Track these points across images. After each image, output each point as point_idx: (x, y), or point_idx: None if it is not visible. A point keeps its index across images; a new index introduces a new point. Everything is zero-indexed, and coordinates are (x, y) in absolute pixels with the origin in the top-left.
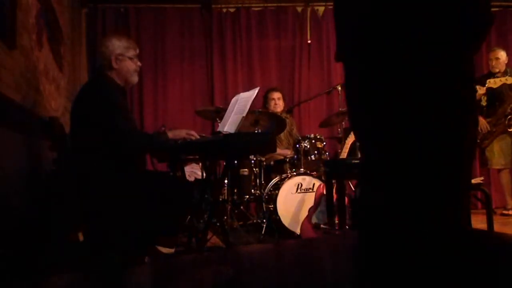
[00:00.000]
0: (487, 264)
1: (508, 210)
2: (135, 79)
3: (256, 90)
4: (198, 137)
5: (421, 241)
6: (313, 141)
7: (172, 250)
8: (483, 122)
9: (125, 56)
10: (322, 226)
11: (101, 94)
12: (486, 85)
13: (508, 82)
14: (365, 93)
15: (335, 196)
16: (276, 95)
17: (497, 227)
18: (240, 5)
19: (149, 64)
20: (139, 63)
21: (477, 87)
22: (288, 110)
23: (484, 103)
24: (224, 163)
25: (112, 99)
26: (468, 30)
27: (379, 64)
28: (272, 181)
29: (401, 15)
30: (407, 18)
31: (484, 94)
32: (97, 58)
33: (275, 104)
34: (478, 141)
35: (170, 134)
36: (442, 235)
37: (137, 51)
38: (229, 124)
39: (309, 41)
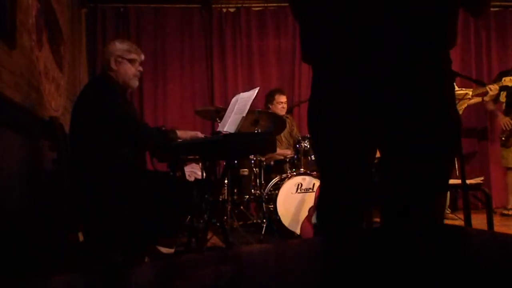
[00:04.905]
0: (487, 264)
1: (508, 210)
2: (134, 83)
3: (256, 90)
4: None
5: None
6: None
7: (172, 250)
8: (506, 119)
9: (124, 58)
10: None
11: (103, 92)
12: (502, 83)
13: None
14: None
15: None
16: (284, 98)
17: (497, 227)
18: (240, 5)
19: (149, 64)
20: (140, 68)
21: (488, 87)
22: (288, 110)
23: (503, 99)
24: (224, 163)
25: (116, 95)
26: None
27: (351, 65)
28: (272, 181)
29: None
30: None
31: (503, 91)
32: (102, 59)
33: (282, 107)
34: (504, 138)
35: (179, 133)
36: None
37: (141, 57)
38: (229, 124)
39: None
